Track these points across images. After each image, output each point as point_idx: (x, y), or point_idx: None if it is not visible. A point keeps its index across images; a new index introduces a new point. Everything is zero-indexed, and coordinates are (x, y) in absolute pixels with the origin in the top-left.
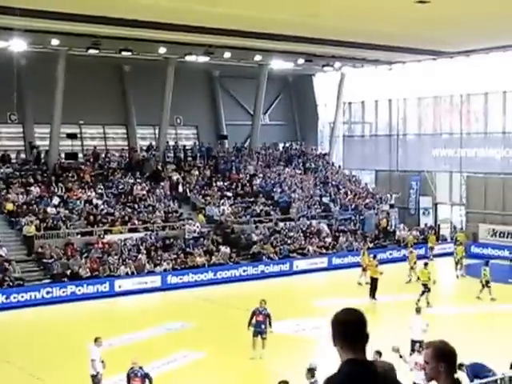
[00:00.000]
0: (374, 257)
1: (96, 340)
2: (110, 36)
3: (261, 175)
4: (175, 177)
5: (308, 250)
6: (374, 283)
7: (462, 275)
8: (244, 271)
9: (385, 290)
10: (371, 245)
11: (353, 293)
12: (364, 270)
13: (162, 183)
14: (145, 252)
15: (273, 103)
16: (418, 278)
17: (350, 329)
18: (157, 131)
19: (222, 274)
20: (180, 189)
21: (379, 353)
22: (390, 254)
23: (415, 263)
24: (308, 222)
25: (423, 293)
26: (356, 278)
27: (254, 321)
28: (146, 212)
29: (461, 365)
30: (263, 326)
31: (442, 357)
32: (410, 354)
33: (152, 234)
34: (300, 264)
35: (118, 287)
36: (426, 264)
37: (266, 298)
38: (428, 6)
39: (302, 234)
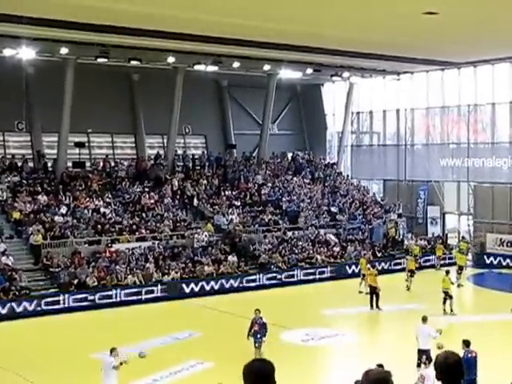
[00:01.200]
0: (373, 266)
1: (112, 351)
2: (119, 45)
3: (269, 184)
4: (176, 182)
5: (316, 259)
6: (372, 292)
7: (461, 284)
8: (252, 280)
9: (391, 299)
10: (379, 254)
11: (360, 302)
12: (363, 278)
13: (164, 188)
14: (152, 261)
15: (281, 113)
16: (408, 288)
17: (258, 379)
18: (165, 140)
19: (231, 283)
20: (195, 202)
21: (381, 366)
22: (398, 264)
23: (413, 272)
24: (316, 232)
25: (445, 300)
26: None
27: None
28: (154, 221)
29: (467, 343)
30: (258, 336)
31: (439, 369)
32: (418, 365)
33: (160, 242)
34: (308, 273)
35: (125, 296)
36: (447, 272)
37: (275, 308)
38: (436, 18)
39: (310, 244)
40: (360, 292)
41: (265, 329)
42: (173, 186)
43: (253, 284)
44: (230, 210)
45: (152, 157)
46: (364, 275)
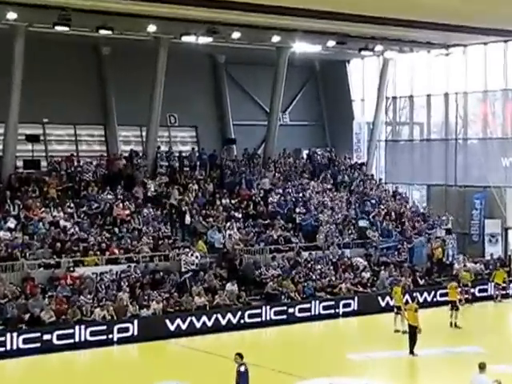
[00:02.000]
0: (413, 298)
1: None
2: (84, 9)
3: (279, 191)
4: (158, 187)
5: (340, 289)
6: (412, 332)
7: None
8: (256, 315)
9: (436, 340)
10: (422, 281)
11: (396, 344)
12: (397, 313)
13: (140, 194)
14: (127, 290)
15: (295, 98)
16: (455, 325)
17: None
18: (144, 133)
19: (228, 319)
20: (187, 219)
21: None
22: (446, 294)
23: (460, 302)
24: (340, 252)
25: None
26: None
27: None
28: (130, 238)
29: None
30: None
31: None
32: None
33: (137, 266)
34: (329, 306)
35: (91, 335)
36: None
37: (286, 351)
38: None
39: (331, 268)
40: (396, 331)
41: (245, 380)
42: (154, 192)
43: (257, 319)
44: (229, 224)
45: (128, 155)
46: (399, 308)
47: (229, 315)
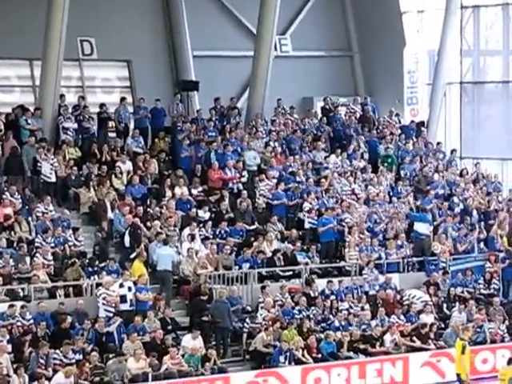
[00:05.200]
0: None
1: None
2: None
3: (275, 173)
4: (63, 168)
5: (382, 343)
6: None
7: None
8: None
9: None
10: None
11: None
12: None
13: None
14: (9, 349)
15: (301, 10)
16: None
17: None
18: (37, 73)
19: None
20: (116, 224)
21: None
22: None
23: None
24: (382, 279)
25: None
26: None
27: None
28: (13, 256)
29: None
30: None
31: None
32: None
33: (26, 306)
34: (364, 373)
35: None
36: None
37: None
38: None
39: (367, 307)
40: None
41: None
42: (56, 176)
43: None
44: (187, 232)
45: (8, 111)
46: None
47: None
